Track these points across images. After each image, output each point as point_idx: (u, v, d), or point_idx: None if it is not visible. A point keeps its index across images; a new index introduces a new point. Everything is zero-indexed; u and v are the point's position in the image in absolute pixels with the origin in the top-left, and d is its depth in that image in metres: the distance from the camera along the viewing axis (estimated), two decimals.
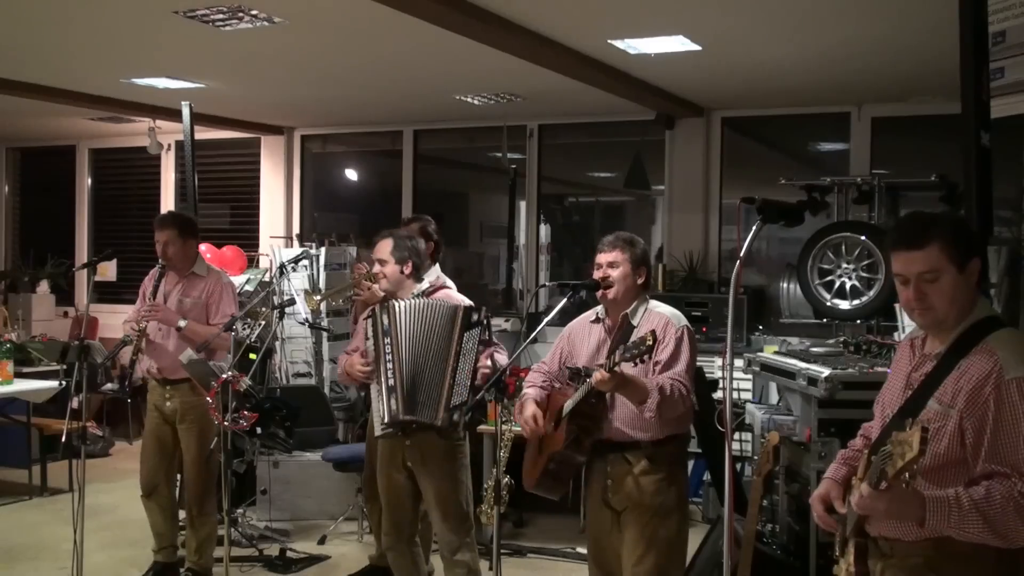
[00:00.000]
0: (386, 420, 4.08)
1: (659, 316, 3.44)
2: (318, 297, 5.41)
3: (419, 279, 4.30)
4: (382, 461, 4.27)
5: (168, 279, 5.00)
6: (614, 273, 3.48)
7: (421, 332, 4.05)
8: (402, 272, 4.21)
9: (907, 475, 2.04)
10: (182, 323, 4.83)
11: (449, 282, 4.67)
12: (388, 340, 4.07)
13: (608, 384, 3.17)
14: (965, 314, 2.34)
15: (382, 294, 4.86)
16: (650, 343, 3.03)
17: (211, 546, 5.01)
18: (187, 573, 5.00)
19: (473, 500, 4.28)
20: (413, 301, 4.13)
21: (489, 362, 4.03)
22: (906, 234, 2.36)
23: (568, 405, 3.40)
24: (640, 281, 3.49)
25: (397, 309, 4.08)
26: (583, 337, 3.62)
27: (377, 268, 4.25)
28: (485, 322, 4.06)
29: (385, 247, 4.23)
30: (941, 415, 2.27)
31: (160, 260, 4.97)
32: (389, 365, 4.05)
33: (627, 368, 3.31)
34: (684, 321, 3.45)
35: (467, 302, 4.24)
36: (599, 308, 3.60)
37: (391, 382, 4.04)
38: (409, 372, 4.02)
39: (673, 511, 3.44)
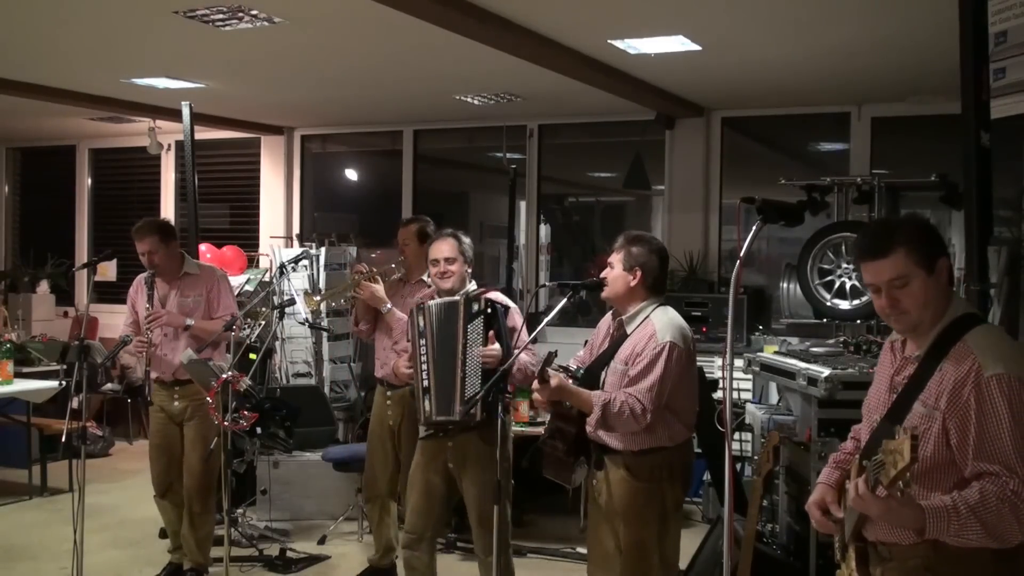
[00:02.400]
0: (422, 422, 4.11)
1: (649, 328, 3.40)
2: (318, 298, 5.42)
3: (467, 282, 4.33)
4: (421, 461, 4.22)
5: (160, 284, 4.95)
6: (608, 274, 3.49)
7: (442, 331, 4.05)
8: (467, 271, 4.27)
9: (901, 483, 2.04)
10: (189, 321, 4.84)
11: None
12: (423, 342, 4.07)
13: (543, 393, 3.34)
14: (940, 314, 2.34)
15: (383, 294, 4.87)
16: (544, 360, 3.30)
17: (209, 545, 5.02)
18: (189, 573, 5.01)
19: (511, 503, 4.25)
20: (440, 301, 4.13)
21: (496, 346, 3.96)
22: (870, 244, 2.37)
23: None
24: (634, 283, 3.44)
25: (431, 311, 4.08)
26: (601, 330, 3.67)
27: (443, 267, 4.24)
28: (490, 311, 3.99)
29: (452, 246, 4.24)
30: (926, 417, 2.27)
31: (148, 269, 4.93)
32: (424, 367, 4.06)
33: (609, 376, 3.38)
34: (671, 336, 3.34)
35: (508, 302, 4.21)
36: None
37: (425, 383, 4.05)
38: (439, 372, 4.03)
39: (651, 522, 3.39)
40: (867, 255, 2.36)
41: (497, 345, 3.96)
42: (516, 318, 4.18)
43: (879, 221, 2.51)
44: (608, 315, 3.68)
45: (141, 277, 5.01)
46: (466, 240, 4.33)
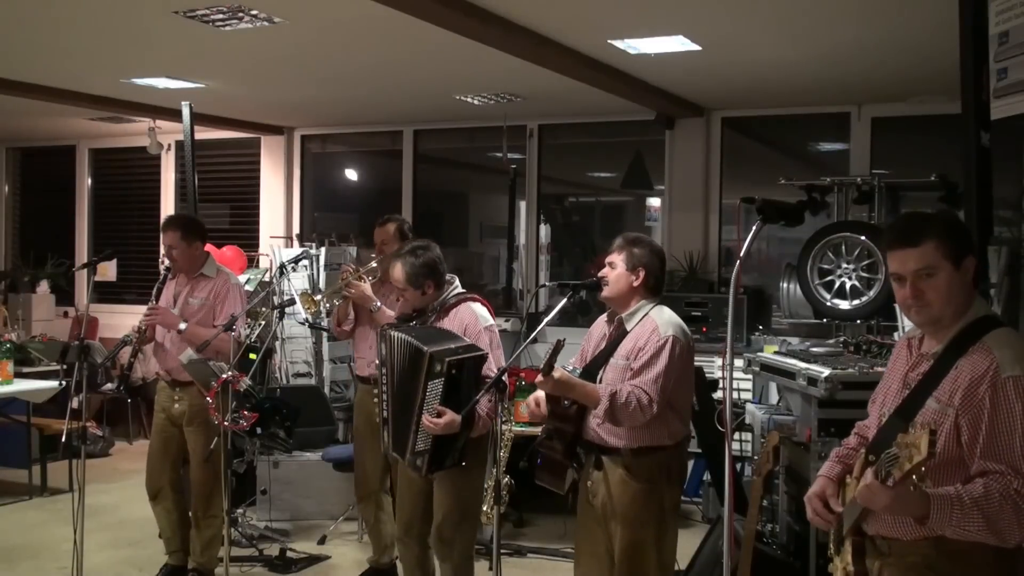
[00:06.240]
0: (382, 450, 4.09)
1: (650, 323, 3.41)
2: (318, 297, 5.42)
3: (440, 293, 4.08)
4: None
5: (178, 280, 4.99)
6: (610, 274, 3.49)
7: (404, 373, 3.83)
8: (424, 294, 4.04)
9: (915, 477, 2.04)
10: (182, 326, 4.80)
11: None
12: (385, 371, 3.93)
13: (545, 386, 3.31)
14: (962, 312, 2.35)
15: (371, 292, 4.86)
16: (553, 350, 3.20)
17: (216, 547, 5.00)
18: (192, 573, 5.01)
19: (474, 531, 4.12)
20: (405, 339, 3.85)
21: (442, 420, 3.66)
22: (901, 232, 2.39)
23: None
24: (636, 283, 3.45)
25: (394, 342, 3.89)
26: (594, 334, 3.66)
27: (399, 293, 4.13)
28: (454, 373, 3.67)
29: (399, 274, 4.03)
30: (939, 414, 2.28)
31: (167, 262, 4.95)
32: (385, 398, 3.95)
33: (609, 373, 3.37)
34: (673, 331, 3.36)
35: (488, 320, 4.04)
36: None
37: (384, 415, 3.97)
38: (396, 411, 3.92)
39: (649, 523, 3.39)
40: (897, 243, 2.37)
41: (446, 417, 3.66)
42: (493, 363, 3.88)
43: (911, 213, 2.54)
44: (602, 318, 3.67)
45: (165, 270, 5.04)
46: (420, 259, 4.01)
